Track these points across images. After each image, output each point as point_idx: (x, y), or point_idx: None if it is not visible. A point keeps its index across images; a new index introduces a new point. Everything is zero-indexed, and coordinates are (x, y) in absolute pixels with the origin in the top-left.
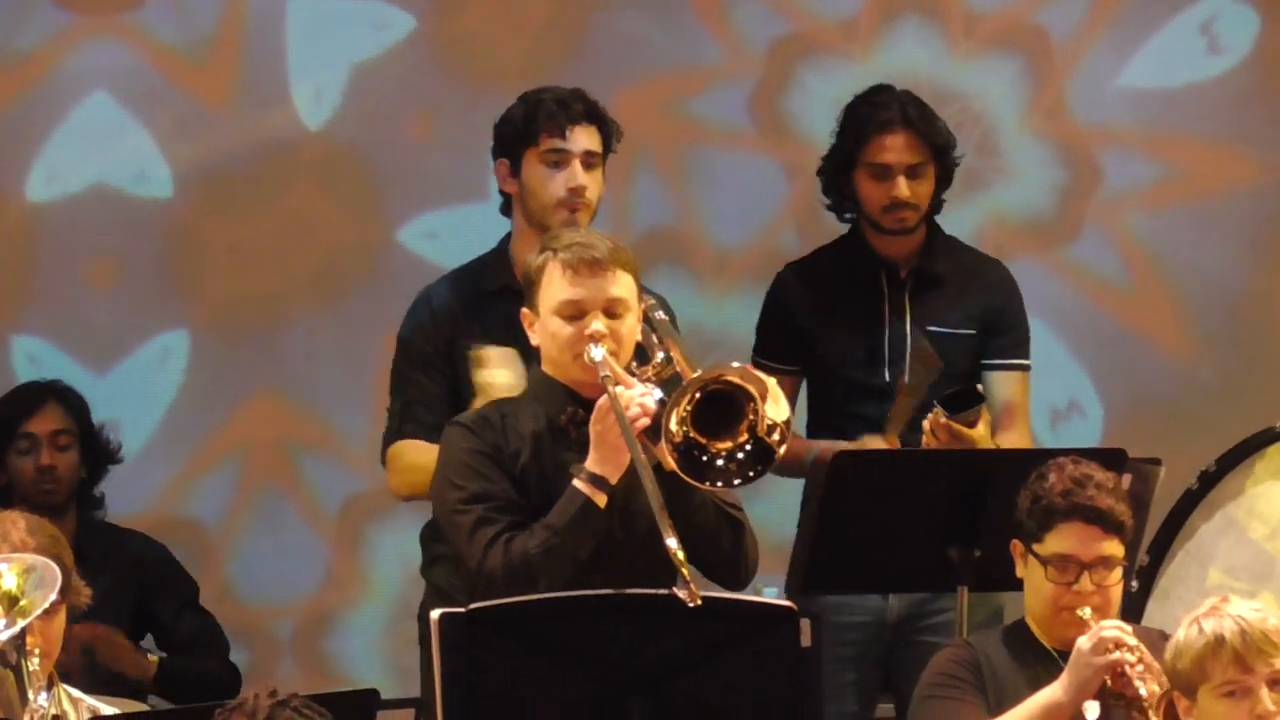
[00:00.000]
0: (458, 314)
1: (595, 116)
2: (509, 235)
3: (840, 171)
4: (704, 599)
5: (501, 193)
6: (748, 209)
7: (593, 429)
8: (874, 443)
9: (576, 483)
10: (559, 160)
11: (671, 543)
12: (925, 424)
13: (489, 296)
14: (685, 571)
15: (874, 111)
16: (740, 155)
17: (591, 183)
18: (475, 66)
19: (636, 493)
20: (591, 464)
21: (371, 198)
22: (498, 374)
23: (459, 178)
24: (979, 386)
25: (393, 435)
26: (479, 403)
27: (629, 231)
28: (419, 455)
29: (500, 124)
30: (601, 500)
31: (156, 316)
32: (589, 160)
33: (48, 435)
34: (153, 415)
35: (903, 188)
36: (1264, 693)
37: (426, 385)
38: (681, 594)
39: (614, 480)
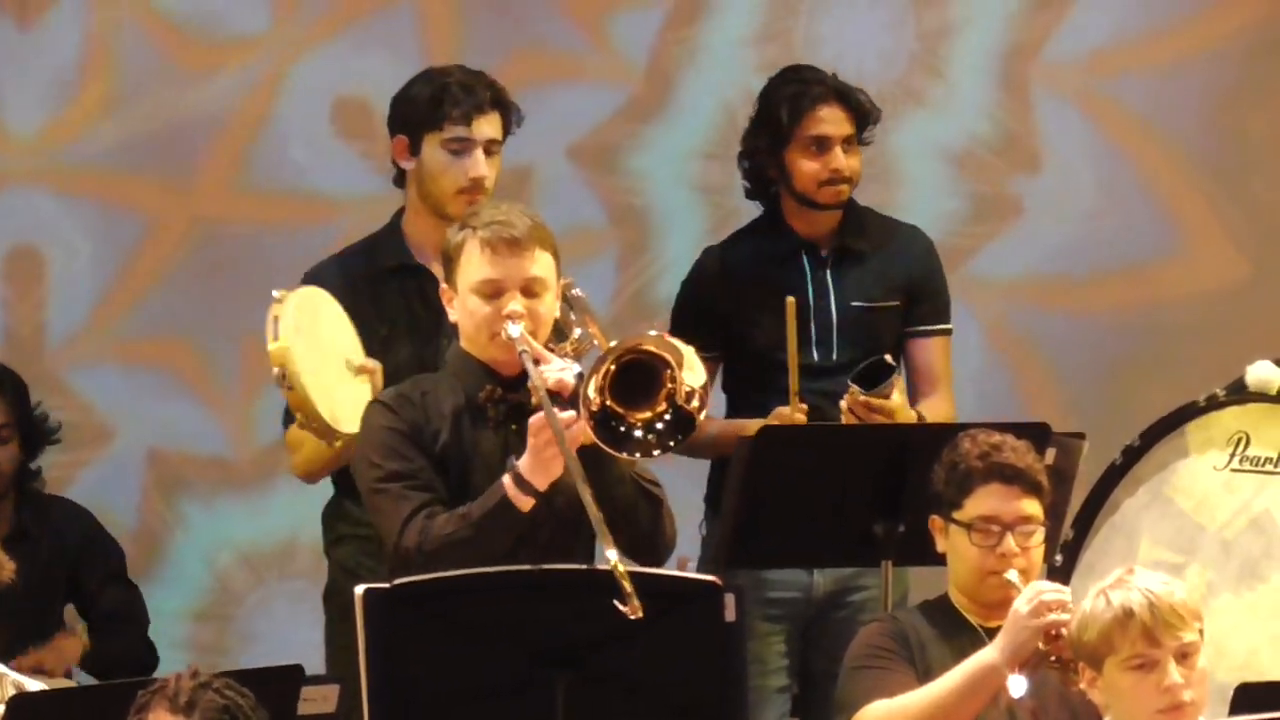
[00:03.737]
0: (353, 293)
1: (499, 103)
2: (401, 211)
3: (772, 151)
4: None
5: (395, 164)
6: None
7: (530, 440)
8: (784, 413)
9: (505, 479)
10: (461, 149)
11: (612, 555)
12: (843, 404)
13: (384, 274)
14: (627, 586)
15: (805, 87)
16: None
17: (491, 170)
18: None
19: None
20: (524, 467)
21: None
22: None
23: None
24: (887, 357)
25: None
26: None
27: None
28: None
29: (402, 101)
30: (525, 505)
31: None
32: (490, 148)
33: None
34: None
35: (840, 159)
36: (1171, 666)
37: None
38: (624, 609)
39: (542, 488)
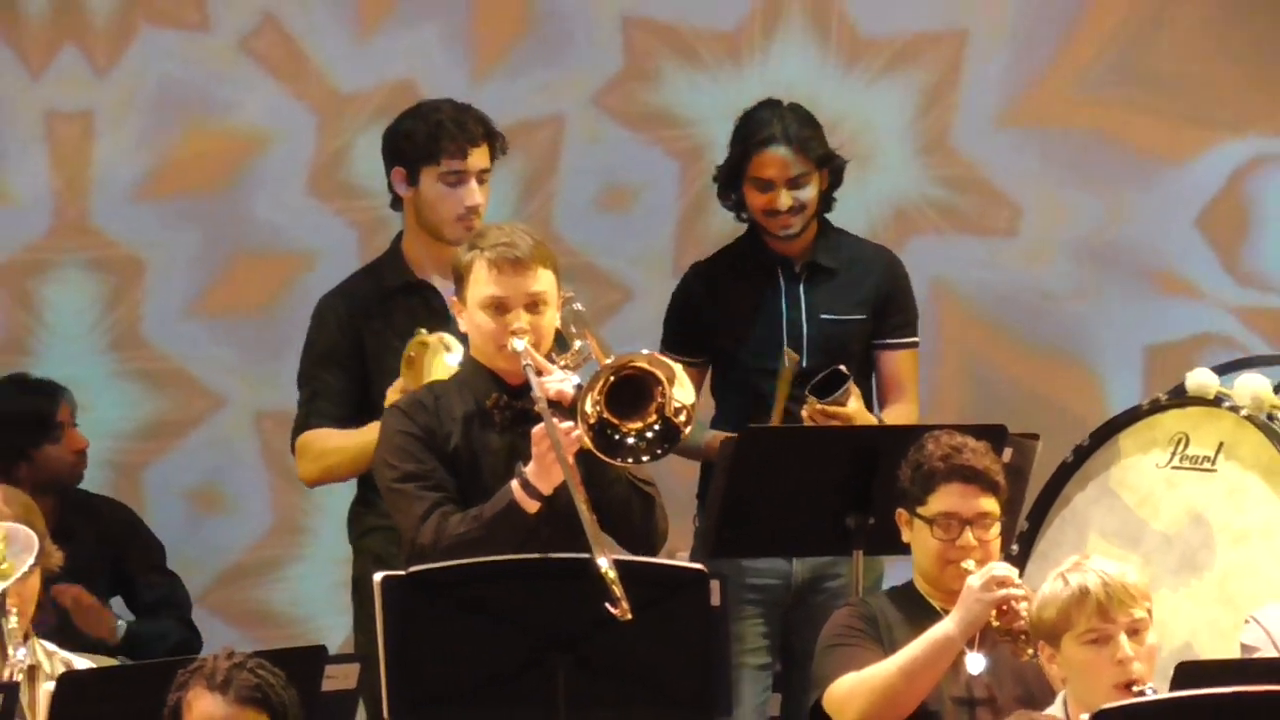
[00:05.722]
0: (362, 314)
1: (488, 134)
2: (400, 234)
3: (730, 181)
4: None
5: (391, 190)
6: None
7: (533, 448)
8: None
9: (513, 483)
10: (457, 180)
11: (602, 562)
12: (804, 413)
13: (391, 293)
14: (617, 590)
15: (757, 129)
16: None
17: (483, 197)
18: None
19: None
20: (530, 472)
21: None
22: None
23: None
24: (842, 367)
25: (300, 427)
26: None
27: None
28: (325, 441)
29: (398, 136)
30: (531, 507)
31: None
32: (482, 177)
33: (69, 418)
34: None
35: (783, 199)
36: (1123, 640)
37: (330, 382)
38: (614, 611)
39: (547, 492)
